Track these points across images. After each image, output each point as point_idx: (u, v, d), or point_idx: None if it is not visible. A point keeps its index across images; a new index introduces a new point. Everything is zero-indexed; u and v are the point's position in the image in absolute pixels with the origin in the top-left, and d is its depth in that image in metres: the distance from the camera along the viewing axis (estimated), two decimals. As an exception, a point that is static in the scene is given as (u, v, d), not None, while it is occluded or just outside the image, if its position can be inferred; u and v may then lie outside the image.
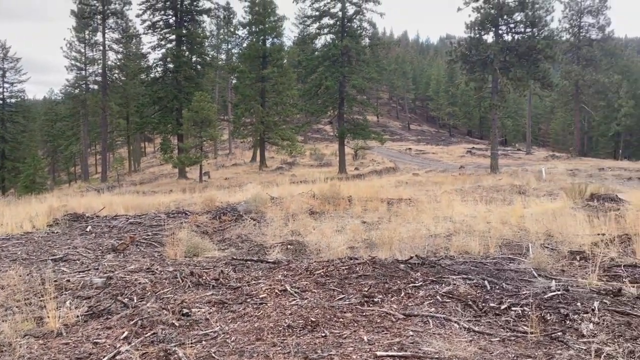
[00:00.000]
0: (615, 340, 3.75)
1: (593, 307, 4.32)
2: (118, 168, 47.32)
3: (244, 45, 47.16)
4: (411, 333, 3.97)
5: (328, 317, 4.32)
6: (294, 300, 4.85)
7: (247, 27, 44.61)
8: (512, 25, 32.30)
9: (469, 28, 32.54)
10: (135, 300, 5.00)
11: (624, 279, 5.61)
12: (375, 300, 4.76)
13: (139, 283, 5.56)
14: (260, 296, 5.04)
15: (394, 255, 6.72)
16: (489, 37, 33.03)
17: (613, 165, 36.44)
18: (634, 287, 5.26)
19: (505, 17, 31.61)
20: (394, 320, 4.27)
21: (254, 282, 5.59)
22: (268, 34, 43.21)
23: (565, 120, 67.38)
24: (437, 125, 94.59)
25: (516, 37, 32.32)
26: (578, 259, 6.68)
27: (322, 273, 5.70)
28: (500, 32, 32.46)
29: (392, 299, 4.80)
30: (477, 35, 32.58)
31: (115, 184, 40.06)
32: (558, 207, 11.53)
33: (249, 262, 6.64)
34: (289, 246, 7.66)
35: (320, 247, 7.60)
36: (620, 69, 58.54)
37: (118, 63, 48.75)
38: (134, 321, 4.37)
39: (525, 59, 31.16)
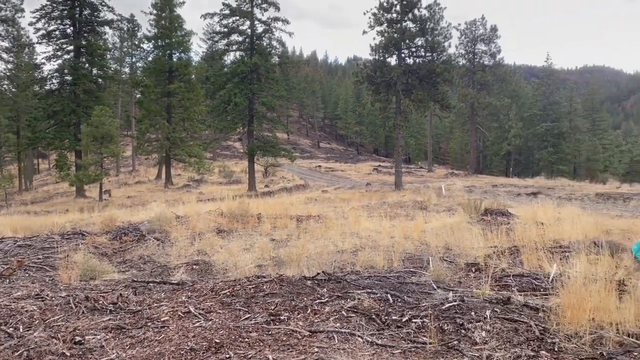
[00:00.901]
0: (504, 346, 4.01)
1: (485, 316, 4.60)
2: (6, 186, 43.50)
3: (149, 59, 45.66)
4: (316, 349, 3.98)
5: (233, 337, 4.23)
6: (198, 321, 4.69)
7: (153, 41, 43.27)
8: (413, 50, 34.13)
9: (374, 50, 33.94)
10: (21, 330, 4.58)
11: (512, 288, 6.03)
12: (282, 318, 4.73)
13: (26, 311, 5.11)
14: (162, 319, 4.82)
15: (301, 272, 6.74)
16: (393, 60, 34.67)
17: (505, 182, 39.37)
18: (521, 295, 5.68)
19: (407, 41, 33.34)
20: (299, 337, 4.26)
21: (155, 304, 5.34)
22: (175, 48, 42.21)
23: (462, 139, 71.88)
24: (346, 144, 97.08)
25: (417, 60, 34.19)
26: (473, 270, 7.09)
27: (228, 293, 5.58)
28: (402, 55, 34.16)
29: (299, 316, 4.80)
30: (382, 58, 34.05)
31: (2, 203, 36.78)
32: (456, 222, 12.21)
33: (151, 284, 6.34)
34: (194, 266, 7.43)
35: (228, 267, 7.45)
36: (510, 93, 63.71)
37: (8, 73, 45.20)
38: (19, 352, 4.00)
39: (426, 81, 32.99)
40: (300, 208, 17.53)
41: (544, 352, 3.96)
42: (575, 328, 4.32)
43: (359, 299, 5.19)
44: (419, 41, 33.75)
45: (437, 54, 33.66)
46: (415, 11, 33.63)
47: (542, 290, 6.01)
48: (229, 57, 40.12)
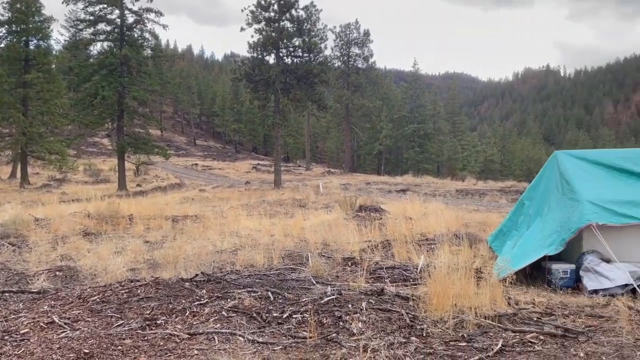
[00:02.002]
0: (379, 335, 4.23)
1: (362, 307, 4.81)
2: None
3: (2, 45, 40.93)
4: (196, 352, 3.87)
5: (104, 346, 3.96)
6: (64, 332, 4.32)
7: (6, 26, 38.85)
8: (291, 49, 34.57)
9: (252, 48, 33.81)
10: None
11: (385, 280, 6.38)
12: (159, 322, 4.54)
13: None
14: (22, 332, 4.37)
15: (179, 274, 6.51)
16: (271, 59, 34.81)
17: (377, 180, 41.50)
18: (393, 286, 6.03)
19: (285, 41, 33.68)
20: (178, 341, 4.11)
21: (13, 316, 4.82)
22: (32, 35, 38.32)
23: (338, 139, 74.45)
24: (224, 141, 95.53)
25: (295, 60, 34.70)
26: (350, 264, 7.39)
27: (98, 299, 5.21)
28: (281, 54, 34.45)
29: (177, 319, 4.64)
30: (260, 56, 34.04)
31: None
32: (333, 219, 12.62)
33: (7, 294, 5.71)
34: (57, 273, 6.83)
35: (97, 271, 6.97)
36: (381, 96, 67.28)
37: None
38: None
39: (304, 81, 33.62)
40: (176, 208, 16.93)
41: (414, 338, 4.24)
42: (440, 314, 4.69)
43: (239, 298, 5.15)
44: (297, 41, 34.26)
45: (314, 55, 34.43)
46: (293, 11, 34.12)
47: (411, 280, 6.44)
48: (96, 48, 37.32)
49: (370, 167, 73.43)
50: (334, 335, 4.21)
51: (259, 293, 5.37)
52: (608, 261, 6.33)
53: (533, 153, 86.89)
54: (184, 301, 5.09)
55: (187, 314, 4.76)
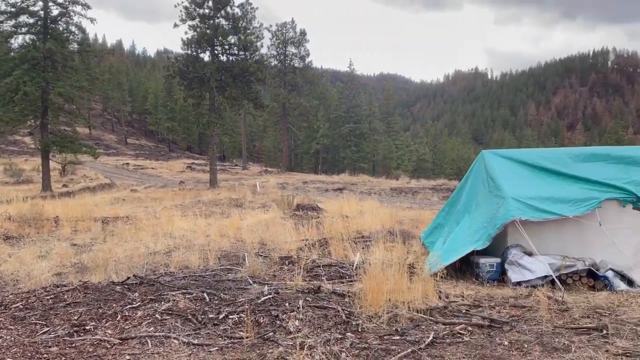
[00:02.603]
0: (316, 332, 4.28)
1: (299, 306, 4.84)
2: None
3: None
4: (128, 357, 3.76)
5: (29, 354, 3.76)
6: (-18, 343, 4.06)
7: None
8: (226, 47, 34.04)
9: (186, 45, 33.01)
10: None
11: (322, 277, 6.46)
12: (88, 328, 4.36)
13: None
14: None
15: (109, 278, 6.28)
16: (206, 56, 34.14)
17: (314, 179, 41.74)
18: (330, 283, 6.11)
19: (220, 38, 33.13)
20: (108, 346, 3.97)
21: None
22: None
23: (275, 138, 74.19)
24: (157, 140, 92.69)
25: (231, 58, 34.20)
26: (287, 263, 7.40)
27: (21, 306, 4.94)
28: (216, 52, 33.87)
29: (107, 324, 4.47)
30: (195, 53, 33.31)
31: None
32: (270, 218, 12.60)
33: None
34: (-25, 280, 6.40)
35: (19, 277, 6.59)
36: (318, 95, 67.69)
37: None
38: None
39: (240, 80, 33.21)
40: (106, 209, 16.28)
41: (349, 333, 4.33)
42: (375, 309, 4.81)
43: (174, 300, 5.04)
44: (232, 39, 33.79)
45: (250, 53, 34.10)
46: (228, 9, 33.60)
47: (347, 277, 6.55)
48: (17, 41, 35.14)
49: (308, 166, 73.75)
50: (270, 334, 4.22)
51: (194, 294, 5.28)
52: (530, 254, 6.72)
53: (463, 152, 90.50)
54: (115, 305, 4.92)
55: (118, 318, 4.60)
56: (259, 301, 5.01)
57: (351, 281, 6.27)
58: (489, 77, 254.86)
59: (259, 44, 34.80)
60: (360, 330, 4.42)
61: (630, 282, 6.56)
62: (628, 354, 3.86)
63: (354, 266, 6.85)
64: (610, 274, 6.56)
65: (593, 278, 6.63)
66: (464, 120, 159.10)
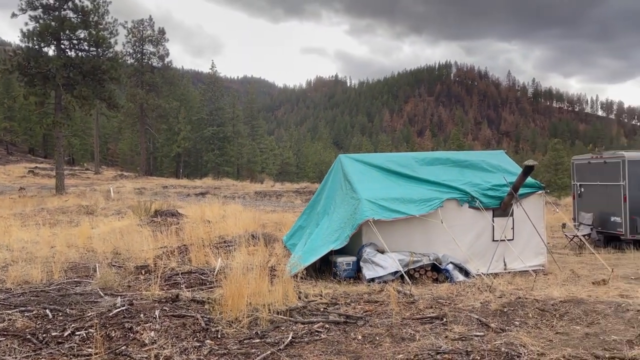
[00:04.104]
0: (172, 342, 4.13)
1: (155, 316, 4.63)
2: None
3: None
4: (-51, 390, 3.29)
5: None
6: None
7: None
8: (75, 42, 31.43)
9: (26, 37, 29.78)
10: None
11: (181, 285, 6.26)
12: None
13: None
14: None
15: None
16: (51, 50, 31.18)
17: (175, 184, 40.26)
18: (189, 291, 5.94)
19: (68, 32, 30.48)
20: None
21: None
22: None
23: (132, 140, 70.12)
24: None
25: (81, 54, 31.62)
26: (143, 272, 7.04)
27: None
28: (63, 46, 31.06)
29: None
30: (37, 47, 30.21)
31: None
32: (126, 225, 11.89)
33: None
34: None
35: None
36: (178, 97, 65.34)
37: None
38: None
39: (91, 77, 30.84)
40: None
41: (208, 340, 4.25)
42: (235, 314, 4.78)
43: (9, 319, 4.53)
44: (82, 34, 31.26)
45: (102, 50, 31.81)
46: (77, 1, 31.06)
47: (208, 284, 6.43)
48: None
49: (169, 170, 70.84)
50: (123, 348, 3.98)
51: (34, 312, 4.79)
52: (382, 252, 7.20)
53: (324, 156, 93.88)
54: None
55: (-63, 347, 4.00)
56: (110, 314, 4.70)
57: (212, 287, 6.16)
58: (348, 84, 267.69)
59: (112, 40, 32.52)
60: (220, 336, 4.36)
61: (467, 273, 7.34)
62: (463, 338, 4.31)
63: (215, 272, 6.75)
64: (450, 267, 7.27)
65: (437, 271, 7.30)
66: (326, 125, 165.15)
